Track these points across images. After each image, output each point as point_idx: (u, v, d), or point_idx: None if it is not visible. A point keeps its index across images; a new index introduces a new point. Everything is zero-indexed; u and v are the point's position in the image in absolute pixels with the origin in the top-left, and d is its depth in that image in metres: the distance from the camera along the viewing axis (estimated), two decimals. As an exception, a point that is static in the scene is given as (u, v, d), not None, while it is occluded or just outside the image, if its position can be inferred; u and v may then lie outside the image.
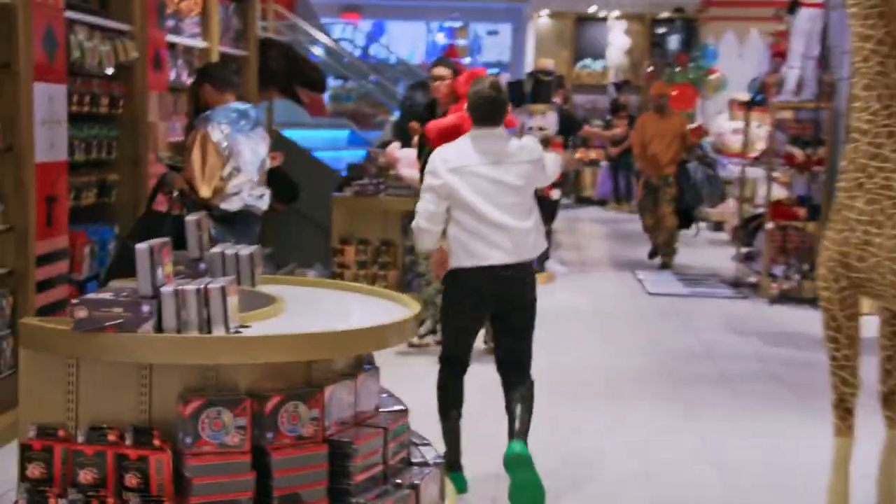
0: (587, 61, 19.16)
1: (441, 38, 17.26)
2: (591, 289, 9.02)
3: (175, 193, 5.04)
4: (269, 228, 9.50)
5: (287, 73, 8.86)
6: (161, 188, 5.13)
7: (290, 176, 6.47)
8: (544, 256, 8.66)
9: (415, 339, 6.03)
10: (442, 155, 4.01)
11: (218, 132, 5.00)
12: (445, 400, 4.10)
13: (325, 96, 13.54)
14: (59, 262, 4.92)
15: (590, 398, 5.59)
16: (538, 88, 8.80)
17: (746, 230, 9.37)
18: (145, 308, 2.82)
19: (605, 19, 19.15)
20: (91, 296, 2.97)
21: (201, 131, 5.01)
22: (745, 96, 13.37)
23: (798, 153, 8.46)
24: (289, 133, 9.46)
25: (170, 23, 6.62)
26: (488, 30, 19.03)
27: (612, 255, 11.38)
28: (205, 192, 4.91)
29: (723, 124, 14.14)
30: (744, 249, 9.76)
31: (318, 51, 11.60)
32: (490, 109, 4.01)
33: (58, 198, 4.88)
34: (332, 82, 15.77)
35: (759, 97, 9.32)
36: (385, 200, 7.10)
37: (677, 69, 14.79)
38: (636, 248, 11.81)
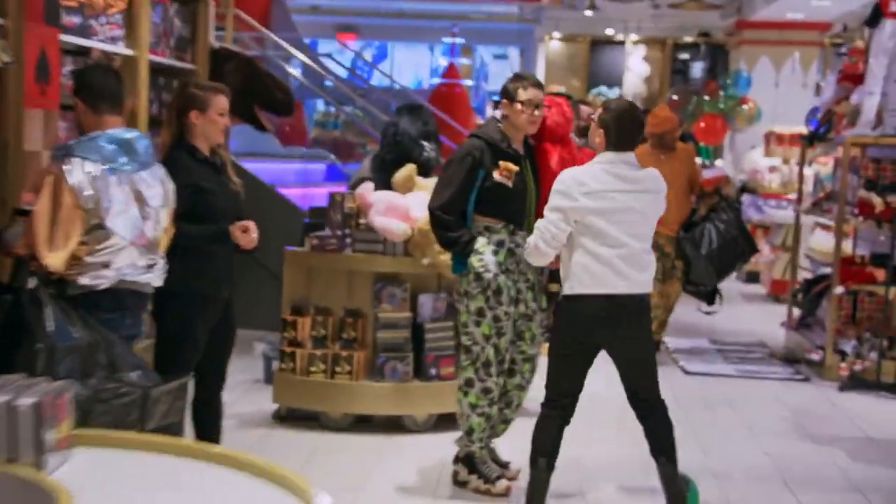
0: (602, 89, 17.51)
1: (442, 59, 15.57)
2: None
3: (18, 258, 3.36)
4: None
5: (245, 92, 7.20)
6: (-1, 249, 3.46)
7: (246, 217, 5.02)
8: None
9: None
10: (576, 176, 3.93)
11: (79, 173, 3.33)
12: (536, 444, 4.02)
13: (309, 123, 11.91)
14: None
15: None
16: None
17: (809, 296, 7.64)
18: None
19: (622, 43, 17.55)
20: None
21: (53, 172, 3.35)
22: (791, 128, 11.76)
23: (877, 201, 6.78)
24: (251, 165, 7.81)
25: (72, 19, 4.97)
26: (495, 53, 17.45)
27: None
28: (52, 260, 3.23)
29: (758, 160, 12.49)
30: (795, 313, 8.08)
31: (294, 70, 9.93)
32: (634, 131, 3.98)
33: None
34: (320, 107, 14.20)
35: (823, 129, 7.62)
36: (352, 258, 5.40)
37: (705, 98, 13.11)
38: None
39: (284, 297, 5.48)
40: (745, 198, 12.31)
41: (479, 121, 15.13)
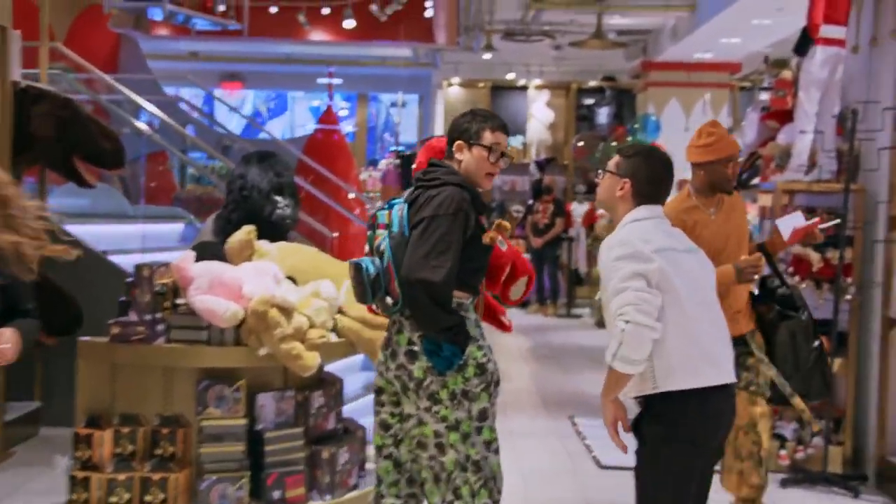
0: (505, 137, 16.58)
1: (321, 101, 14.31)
2: (512, 456, 6.10)
3: None
4: (36, 371, 6.50)
5: (59, 140, 5.95)
6: None
7: (66, 294, 4.77)
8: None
9: None
10: (636, 233, 3.22)
11: None
12: None
13: (175, 178, 10.60)
14: None
15: None
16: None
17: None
18: None
19: (525, 88, 16.68)
20: None
21: None
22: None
23: (814, 257, 5.80)
24: (79, 228, 6.51)
25: None
26: (393, 101, 16.42)
27: (539, 389, 8.53)
28: None
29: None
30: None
31: (139, 123, 8.64)
32: (669, 179, 3.40)
33: None
34: (196, 159, 12.89)
35: (745, 176, 6.66)
36: (167, 351, 4.16)
37: (613, 144, 12.23)
38: (571, 372, 9.03)
39: (79, 403, 4.19)
40: (659, 250, 11.39)
41: (372, 173, 14.08)
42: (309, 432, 4.26)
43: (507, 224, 3.65)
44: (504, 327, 4.24)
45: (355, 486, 4.47)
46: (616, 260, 3.20)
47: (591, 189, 16.37)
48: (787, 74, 6.07)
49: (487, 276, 3.82)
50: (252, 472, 4.09)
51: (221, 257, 4.37)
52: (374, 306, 3.78)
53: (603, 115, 16.25)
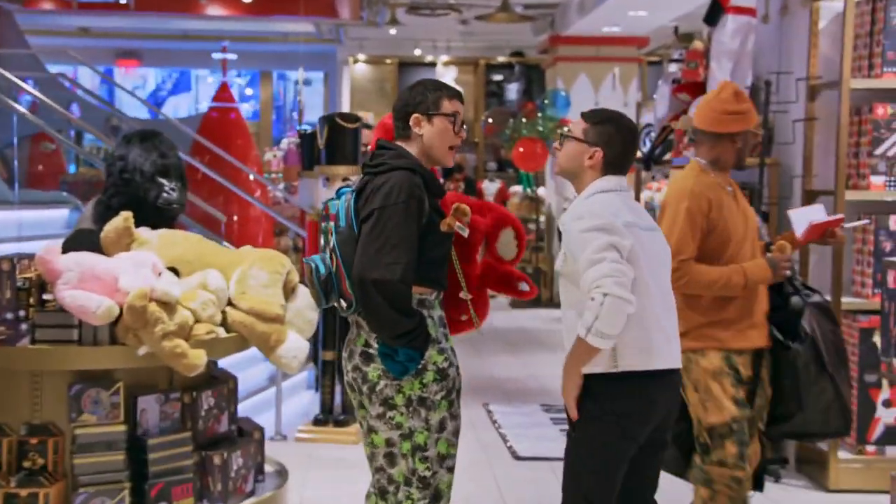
0: (413, 114, 16.25)
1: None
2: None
3: None
4: None
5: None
6: None
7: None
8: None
9: None
10: (604, 205, 3.06)
11: None
12: None
13: (68, 160, 10.02)
14: None
15: None
16: (337, 139, 5.67)
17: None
18: None
19: (433, 65, 16.36)
20: None
21: None
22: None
23: (730, 233, 5.60)
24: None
25: None
26: (296, 79, 15.91)
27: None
28: None
29: (581, 187, 11.40)
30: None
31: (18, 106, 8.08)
32: (635, 149, 3.25)
33: None
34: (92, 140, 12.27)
35: (658, 151, 6.46)
36: (34, 353, 3.75)
37: (523, 120, 12.00)
38: (485, 356, 8.79)
39: (-67, 413, 3.75)
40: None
41: (275, 152, 13.56)
42: (198, 437, 3.89)
43: (465, 208, 3.28)
44: (523, 294, 3.63)
45: (252, 493, 4.11)
46: (587, 231, 3.01)
47: (503, 166, 16.21)
48: (698, 45, 5.86)
49: (463, 257, 3.47)
50: (134, 482, 3.71)
51: (101, 247, 3.98)
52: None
53: (512, 91, 16.05)
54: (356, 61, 16.25)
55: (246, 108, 17.53)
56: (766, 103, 5.34)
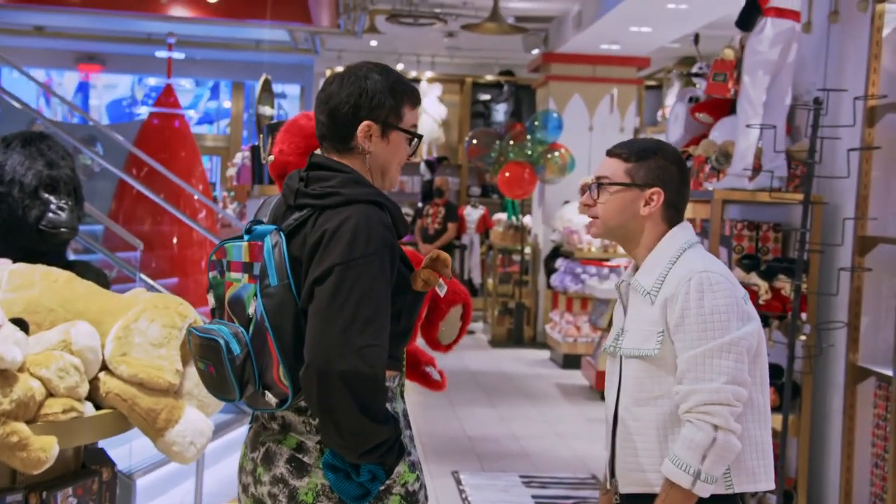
0: (394, 133, 15.24)
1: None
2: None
3: None
4: None
5: None
6: None
7: None
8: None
9: None
10: (722, 271, 2.40)
11: None
12: None
13: None
14: None
15: None
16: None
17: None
18: None
19: (416, 81, 15.34)
20: None
21: None
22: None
23: (762, 285, 4.57)
24: None
25: None
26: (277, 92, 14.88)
27: (420, 431, 7.13)
28: None
29: (572, 218, 10.39)
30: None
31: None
32: (689, 183, 2.57)
33: None
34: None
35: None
36: None
37: (510, 143, 10.97)
38: (459, 407, 7.71)
39: None
40: (560, 263, 10.18)
41: (231, 168, 12.45)
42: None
43: (446, 257, 2.31)
44: (434, 385, 2.85)
45: None
46: (716, 312, 2.32)
47: (487, 192, 15.20)
48: (728, 54, 4.82)
49: None
50: None
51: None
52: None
53: (500, 112, 15.06)
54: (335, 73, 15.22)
55: (223, 124, 16.50)
56: (814, 126, 4.31)
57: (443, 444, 6.67)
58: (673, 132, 5.68)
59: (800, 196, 4.42)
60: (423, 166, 14.44)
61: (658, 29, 10.09)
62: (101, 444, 3.35)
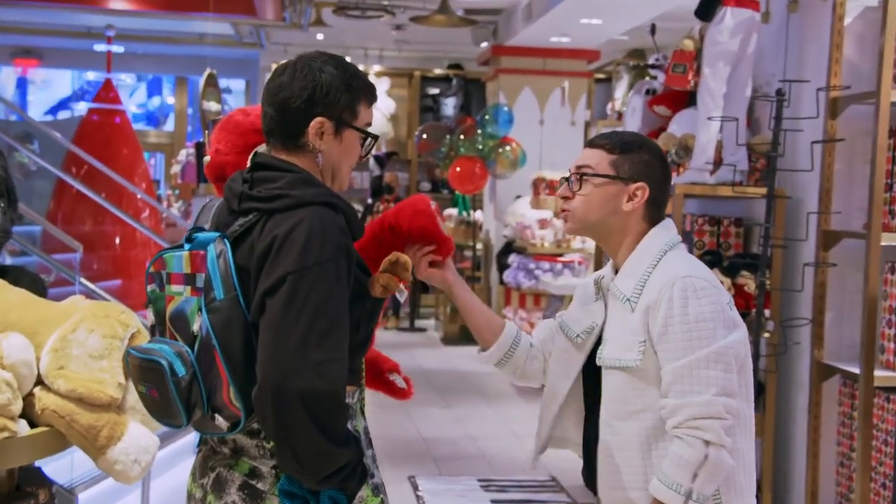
0: (342, 128, 15.02)
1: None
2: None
3: None
4: None
5: None
6: None
7: None
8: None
9: None
10: (707, 276, 2.25)
11: None
12: None
13: None
14: None
15: None
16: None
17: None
18: None
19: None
20: None
21: None
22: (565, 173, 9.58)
23: (724, 281, 4.47)
24: None
25: None
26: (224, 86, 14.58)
27: (373, 435, 6.95)
28: None
29: (525, 213, 10.28)
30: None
31: None
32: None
33: None
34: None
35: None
36: None
37: (461, 137, 10.83)
38: (413, 408, 7.55)
39: None
40: (512, 258, 10.06)
41: (175, 165, 12.14)
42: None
43: (406, 259, 2.14)
44: (399, 393, 2.67)
45: None
46: (702, 319, 2.18)
47: (437, 187, 15.03)
48: (688, 45, 4.71)
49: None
50: None
51: None
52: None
53: (449, 105, 14.89)
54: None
55: (169, 121, 16.16)
56: (777, 118, 4.22)
57: (397, 447, 6.51)
58: (630, 125, 5.56)
59: (763, 190, 4.32)
60: (372, 162, 14.23)
61: (608, 21, 9.99)
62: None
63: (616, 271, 2.38)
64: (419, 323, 12.58)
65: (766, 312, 4.43)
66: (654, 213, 2.35)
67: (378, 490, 2.09)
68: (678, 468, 2.14)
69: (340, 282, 1.92)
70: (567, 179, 2.38)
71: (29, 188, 7.54)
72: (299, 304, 1.87)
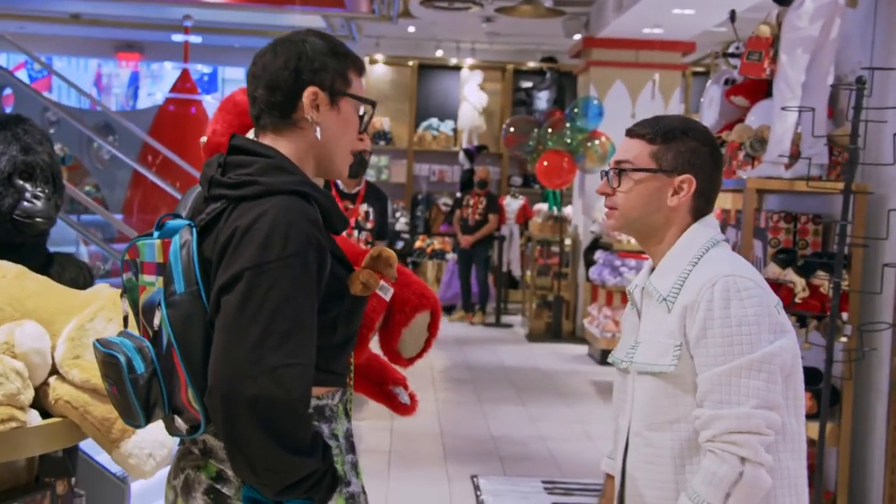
0: (433, 122, 14.96)
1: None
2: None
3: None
4: None
5: None
6: None
7: None
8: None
9: None
10: (752, 275, 2.07)
11: None
12: None
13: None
14: None
15: None
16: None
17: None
18: None
19: (457, 68, 15.02)
20: None
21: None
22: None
23: (798, 282, 4.20)
24: None
25: None
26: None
27: (443, 430, 6.81)
28: None
29: (612, 208, 10.00)
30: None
31: None
32: (722, 167, 2.25)
33: None
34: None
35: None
36: None
37: (549, 131, 10.62)
38: (487, 405, 7.40)
39: None
40: (598, 255, 9.82)
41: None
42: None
43: (389, 255, 2.00)
44: (401, 409, 2.52)
45: None
46: (744, 323, 1.99)
47: (528, 182, 14.84)
48: (764, 31, 4.44)
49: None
50: None
51: None
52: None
53: (542, 99, 14.65)
54: (374, 62, 14.94)
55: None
56: (857, 108, 3.93)
57: (465, 445, 6.38)
58: (707, 117, 5.30)
59: (840, 185, 4.03)
60: (461, 156, 14.13)
61: (701, 11, 9.65)
62: (88, 444, 3.09)
63: (652, 271, 2.20)
64: (505, 319, 12.42)
65: (843, 315, 4.14)
66: (700, 207, 2.18)
67: (354, 499, 1.94)
68: (710, 486, 1.96)
69: (307, 279, 1.78)
70: (606, 174, 2.21)
71: (111, 177, 7.64)
72: (256, 302, 1.74)
